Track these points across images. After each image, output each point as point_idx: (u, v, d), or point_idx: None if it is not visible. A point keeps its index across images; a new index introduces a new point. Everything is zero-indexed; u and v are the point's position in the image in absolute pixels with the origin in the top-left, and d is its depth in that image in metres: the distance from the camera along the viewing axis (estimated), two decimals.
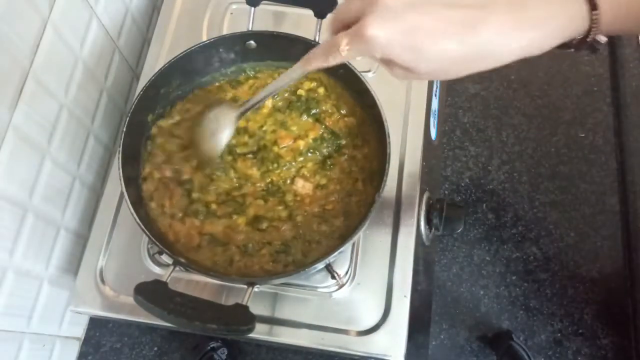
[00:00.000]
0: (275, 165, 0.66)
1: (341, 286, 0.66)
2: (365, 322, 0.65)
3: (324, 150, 0.67)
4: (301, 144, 0.67)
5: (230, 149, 0.67)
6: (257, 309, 0.62)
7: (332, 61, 0.41)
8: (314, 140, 0.67)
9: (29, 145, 0.67)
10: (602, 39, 0.41)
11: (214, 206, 0.65)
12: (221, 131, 0.61)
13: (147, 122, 0.67)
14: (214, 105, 0.64)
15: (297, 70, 0.47)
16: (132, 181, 0.64)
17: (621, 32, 0.42)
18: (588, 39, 0.40)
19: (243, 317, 0.51)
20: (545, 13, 0.38)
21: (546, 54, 0.39)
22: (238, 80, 0.72)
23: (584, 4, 0.38)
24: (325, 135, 0.67)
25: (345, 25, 0.40)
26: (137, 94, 0.63)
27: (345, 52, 0.39)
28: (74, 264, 0.82)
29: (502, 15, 0.36)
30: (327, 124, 0.68)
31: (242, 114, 0.59)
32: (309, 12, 0.66)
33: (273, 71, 0.72)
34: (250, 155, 0.67)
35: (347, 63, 0.64)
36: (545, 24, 0.38)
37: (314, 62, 0.43)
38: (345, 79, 0.67)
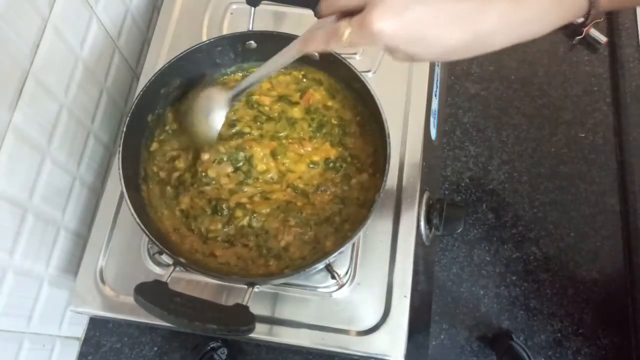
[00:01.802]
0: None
1: (341, 286, 0.66)
2: (365, 322, 0.65)
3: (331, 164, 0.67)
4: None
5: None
6: (257, 309, 0.62)
7: (332, 46, 0.42)
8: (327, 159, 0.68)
9: (29, 145, 0.67)
10: (602, 38, 0.42)
11: (214, 207, 0.65)
12: (216, 111, 0.61)
13: (147, 122, 0.67)
14: (204, 87, 0.63)
15: (292, 51, 0.47)
16: (132, 181, 0.64)
17: (618, 7, 0.44)
18: (587, 21, 0.42)
19: (243, 317, 0.51)
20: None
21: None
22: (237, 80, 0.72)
23: None
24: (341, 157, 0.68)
25: (342, 13, 0.40)
26: (137, 94, 0.63)
27: (346, 41, 0.39)
28: (74, 264, 0.82)
29: (502, 4, 0.37)
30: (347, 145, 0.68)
31: (237, 95, 0.59)
32: (309, 12, 0.66)
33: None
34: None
35: (347, 63, 0.64)
36: (547, 9, 0.39)
37: (312, 44, 0.43)
38: (346, 79, 0.67)
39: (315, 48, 0.43)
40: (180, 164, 0.67)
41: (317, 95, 0.70)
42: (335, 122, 0.69)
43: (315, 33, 0.43)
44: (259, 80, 0.57)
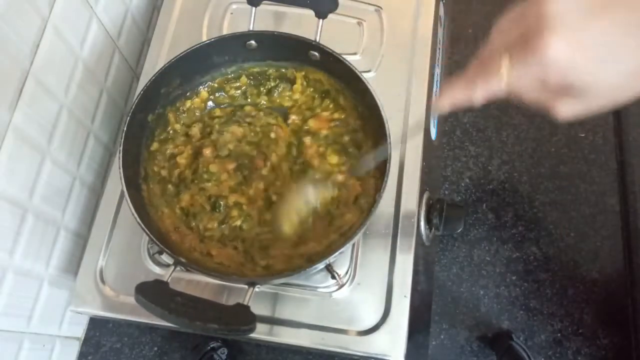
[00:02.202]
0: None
1: (341, 286, 0.66)
2: (365, 322, 0.65)
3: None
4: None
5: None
6: (257, 309, 0.62)
7: (480, 93, 0.34)
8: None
9: (29, 145, 0.67)
10: None
11: (213, 203, 0.65)
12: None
13: (147, 122, 0.67)
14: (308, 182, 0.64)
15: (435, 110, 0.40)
16: (133, 181, 0.64)
17: None
18: None
19: (244, 317, 0.51)
20: None
21: None
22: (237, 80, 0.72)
23: None
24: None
25: (498, 53, 0.33)
26: (137, 94, 0.63)
27: (505, 78, 0.32)
28: (74, 264, 0.82)
29: None
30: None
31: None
32: (309, 12, 0.66)
33: (275, 70, 0.72)
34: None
35: (347, 62, 0.64)
36: None
37: (451, 95, 0.36)
38: (346, 79, 0.67)
39: (452, 99, 0.36)
40: (182, 160, 0.67)
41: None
42: (347, 138, 0.69)
43: (455, 83, 0.35)
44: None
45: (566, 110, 0.34)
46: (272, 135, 0.69)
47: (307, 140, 0.68)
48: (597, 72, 0.31)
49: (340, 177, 0.65)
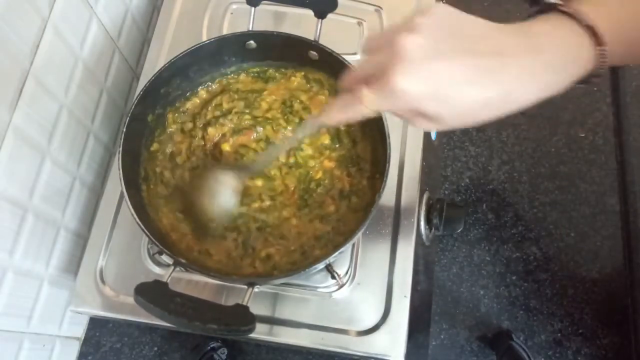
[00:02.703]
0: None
1: (341, 286, 0.66)
2: (365, 322, 0.65)
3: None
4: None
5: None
6: (257, 309, 0.62)
7: (353, 115, 0.40)
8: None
9: (29, 145, 0.67)
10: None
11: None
12: (226, 196, 0.60)
13: (147, 122, 0.67)
14: (216, 169, 0.63)
15: (309, 126, 0.46)
16: (132, 181, 0.64)
17: (624, 63, 0.43)
18: (595, 75, 0.41)
19: (243, 317, 0.51)
20: (561, 56, 0.38)
21: None
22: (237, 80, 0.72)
23: (591, 45, 0.39)
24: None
25: (362, 81, 0.39)
26: (137, 94, 0.63)
27: (366, 106, 0.38)
28: (74, 264, 0.82)
29: (521, 61, 0.37)
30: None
31: (249, 174, 0.60)
32: (309, 12, 0.66)
33: (275, 70, 0.72)
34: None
35: (347, 62, 0.64)
36: (562, 66, 0.38)
37: (330, 115, 0.42)
38: None
39: (332, 119, 0.42)
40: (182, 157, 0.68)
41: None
42: (343, 128, 0.69)
43: (334, 103, 0.42)
44: (271, 159, 0.56)
45: (425, 126, 0.39)
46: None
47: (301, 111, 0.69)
48: (441, 104, 0.36)
49: (327, 163, 0.66)
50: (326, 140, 0.67)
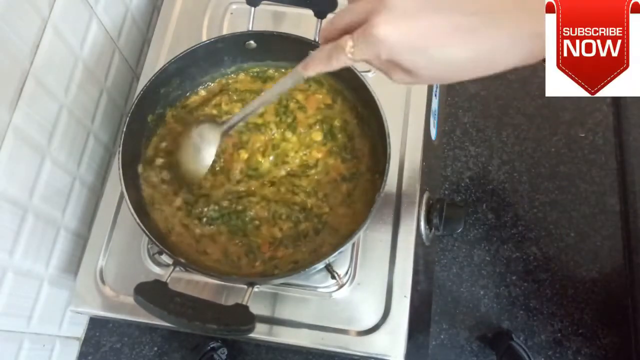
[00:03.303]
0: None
1: (341, 286, 0.66)
2: (365, 322, 0.65)
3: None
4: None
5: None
6: (257, 309, 0.62)
7: (335, 64, 0.40)
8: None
9: (29, 145, 0.67)
10: None
11: (215, 207, 0.65)
12: (206, 149, 0.60)
13: (147, 122, 0.67)
14: (196, 123, 0.63)
15: (293, 77, 0.46)
16: (132, 181, 0.64)
17: None
18: None
19: (243, 317, 0.51)
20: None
21: None
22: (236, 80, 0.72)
23: None
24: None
25: (344, 31, 0.39)
26: (137, 94, 0.63)
27: (350, 54, 0.38)
28: (74, 264, 0.82)
29: (507, 23, 0.36)
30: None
31: (229, 129, 0.59)
32: (309, 12, 0.66)
33: (275, 70, 0.72)
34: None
35: None
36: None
37: (314, 66, 0.42)
38: (346, 79, 0.67)
39: (317, 69, 0.42)
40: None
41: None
42: (338, 124, 0.69)
43: (315, 54, 0.42)
44: (254, 111, 0.56)
45: (401, 79, 0.39)
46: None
47: (298, 114, 0.69)
48: (420, 58, 0.37)
49: (317, 154, 0.66)
50: (318, 136, 0.67)
